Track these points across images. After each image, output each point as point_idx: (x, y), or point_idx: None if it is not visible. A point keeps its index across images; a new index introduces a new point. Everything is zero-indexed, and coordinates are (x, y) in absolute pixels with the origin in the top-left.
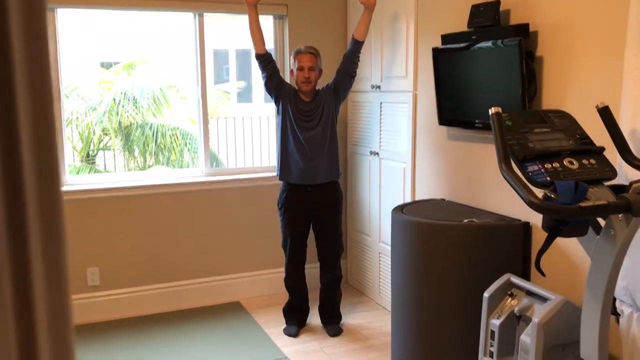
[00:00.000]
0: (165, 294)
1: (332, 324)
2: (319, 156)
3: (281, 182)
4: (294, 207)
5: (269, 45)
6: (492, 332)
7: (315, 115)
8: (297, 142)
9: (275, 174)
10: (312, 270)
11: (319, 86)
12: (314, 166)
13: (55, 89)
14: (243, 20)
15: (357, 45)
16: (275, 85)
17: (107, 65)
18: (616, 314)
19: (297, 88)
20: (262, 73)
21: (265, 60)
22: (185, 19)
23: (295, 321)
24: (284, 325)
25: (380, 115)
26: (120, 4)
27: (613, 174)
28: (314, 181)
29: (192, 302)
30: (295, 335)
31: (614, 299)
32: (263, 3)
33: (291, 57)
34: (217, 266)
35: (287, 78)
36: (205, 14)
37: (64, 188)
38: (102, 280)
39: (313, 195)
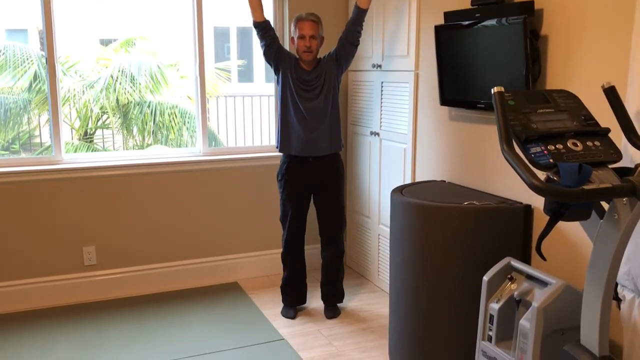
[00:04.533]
0: (162, 274)
1: (334, 304)
2: (321, 127)
3: (281, 154)
4: (295, 179)
5: None
6: (491, 316)
7: (316, 84)
8: (298, 113)
9: (275, 146)
10: (312, 251)
11: (320, 54)
12: (315, 137)
13: (51, 64)
14: None
15: (361, 13)
16: (274, 54)
17: (106, 42)
18: (618, 299)
19: (297, 57)
20: (261, 41)
21: (264, 29)
22: None
23: (294, 300)
24: (281, 307)
25: (381, 95)
26: None
27: (618, 156)
28: (315, 153)
29: (189, 283)
30: (292, 317)
31: (616, 284)
32: None
33: (291, 24)
34: (215, 246)
35: (287, 46)
36: None
37: (60, 166)
38: (98, 260)
39: (314, 167)
